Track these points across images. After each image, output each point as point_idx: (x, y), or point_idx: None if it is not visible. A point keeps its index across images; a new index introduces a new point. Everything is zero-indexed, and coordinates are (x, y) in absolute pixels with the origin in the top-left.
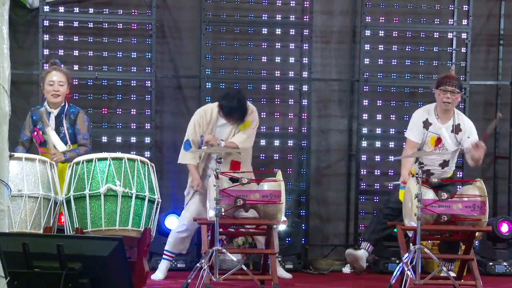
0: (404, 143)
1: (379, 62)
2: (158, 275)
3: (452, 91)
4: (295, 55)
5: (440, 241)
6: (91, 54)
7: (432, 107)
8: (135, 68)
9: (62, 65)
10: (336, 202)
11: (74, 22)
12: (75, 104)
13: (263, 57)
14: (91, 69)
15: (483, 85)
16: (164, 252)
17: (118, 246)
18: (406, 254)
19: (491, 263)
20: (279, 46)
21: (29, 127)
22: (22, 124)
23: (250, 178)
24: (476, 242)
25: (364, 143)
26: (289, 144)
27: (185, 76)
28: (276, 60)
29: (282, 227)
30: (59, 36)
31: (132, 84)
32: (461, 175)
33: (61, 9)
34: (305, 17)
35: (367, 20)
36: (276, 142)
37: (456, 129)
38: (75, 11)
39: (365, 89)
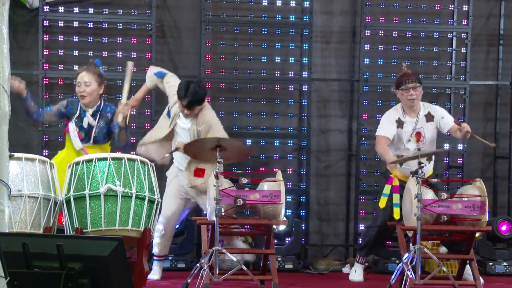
0: None
1: (379, 62)
2: (154, 277)
3: (414, 86)
4: (295, 55)
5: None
6: (91, 54)
7: (399, 107)
8: (135, 68)
9: (100, 66)
10: (336, 202)
11: (74, 22)
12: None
13: (263, 57)
14: None
15: (483, 85)
16: (153, 254)
17: (118, 246)
18: (406, 254)
19: (491, 263)
20: (279, 46)
21: (58, 107)
22: (22, 124)
23: (250, 179)
24: (476, 242)
25: (364, 143)
26: (289, 144)
27: (185, 76)
28: (276, 60)
29: (282, 227)
30: (59, 36)
31: (132, 84)
32: (461, 175)
33: (61, 9)
34: (305, 17)
35: (367, 20)
36: (276, 142)
37: (428, 117)
38: (75, 11)
39: (365, 89)
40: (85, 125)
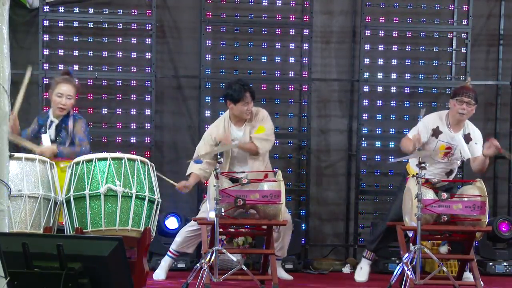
0: None
1: (379, 62)
2: (159, 273)
3: (468, 102)
4: (295, 55)
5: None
6: (91, 54)
7: (444, 114)
8: (135, 68)
9: (73, 76)
10: (336, 202)
11: (74, 22)
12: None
13: (263, 57)
14: (91, 69)
15: (483, 85)
16: (169, 250)
17: (118, 246)
18: (406, 254)
19: (491, 263)
20: (279, 46)
21: (31, 128)
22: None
23: (250, 179)
24: (476, 242)
25: (364, 143)
26: (289, 144)
27: (185, 76)
28: (276, 60)
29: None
30: (59, 36)
31: (132, 84)
32: (461, 175)
33: (61, 9)
34: (305, 17)
35: (367, 20)
36: (276, 142)
37: (467, 138)
38: (75, 11)
39: (365, 89)
40: (52, 136)
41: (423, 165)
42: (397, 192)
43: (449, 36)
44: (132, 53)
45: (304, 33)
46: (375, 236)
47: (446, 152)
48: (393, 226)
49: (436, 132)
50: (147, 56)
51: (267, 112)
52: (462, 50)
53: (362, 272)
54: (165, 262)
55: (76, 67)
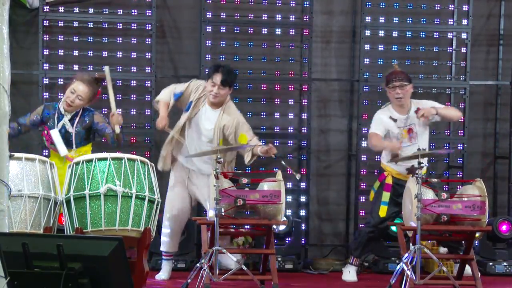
0: None
1: (379, 62)
2: (162, 275)
3: (400, 85)
4: (295, 55)
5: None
6: (91, 54)
7: (389, 105)
8: (135, 68)
9: (101, 85)
10: (336, 202)
11: (74, 22)
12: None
13: (263, 57)
14: (91, 69)
15: (483, 85)
16: (162, 253)
17: (118, 246)
18: (406, 254)
19: (491, 263)
20: (279, 46)
21: (32, 117)
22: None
23: (250, 179)
24: (476, 242)
25: (364, 143)
26: (289, 144)
27: (185, 76)
28: (276, 60)
29: (282, 227)
30: (59, 36)
31: (132, 84)
32: (461, 175)
33: (61, 9)
34: (305, 17)
35: (367, 20)
36: (276, 142)
37: (418, 113)
38: (75, 11)
39: (365, 89)
40: (59, 127)
41: (422, 165)
42: (376, 192)
43: (449, 36)
44: (132, 53)
45: (304, 33)
46: (357, 243)
47: (410, 135)
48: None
49: (392, 121)
50: (147, 56)
51: (266, 112)
52: (462, 50)
53: (351, 274)
54: (165, 266)
55: (76, 67)
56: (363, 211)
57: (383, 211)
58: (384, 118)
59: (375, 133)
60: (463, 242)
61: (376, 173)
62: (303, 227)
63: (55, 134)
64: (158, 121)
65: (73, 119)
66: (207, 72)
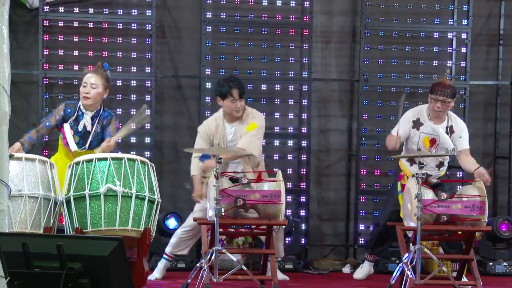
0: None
1: (379, 62)
2: (155, 275)
3: (443, 100)
4: (295, 55)
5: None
6: (91, 54)
7: (425, 108)
8: (135, 68)
9: (108, 70)
10: (336, 202)
11: (74, 22)
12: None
13: (263, 57)
14: (91, 69)
15: (483, 85)
16: (165, 252)
17: (118, 246)
18: (406, 254)
19: (491, 263)
20: (279, 46)
21: (56, 117)
22: (22, 124)
23: (250, 179)
24: (476, 242)
25: (364, 143)
26: (289, 144)
27: (185, 76)
28: (276, 60)
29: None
30: (59, 36)
31: (132, 84)
32: (461, 175)
33: (61, 9)
34: (305, 17)
35: (367, 20)
36: (276, 142)
37: (450, 130)
38: (75, 11)
39: (365, 89)
40: (80, 128)
41: (422, 165)
42: (392, 190)
43: (449, 36)
44: (132, 53)
45: (304, 33)
46: (369, 240)
47: (431, 143)
48: (390, 226)
49: (416, 124)
50: (147, 56)
51: (267, 112)
52: (462, 50)
53: (361, 270)
54: (161, 264)
55: (76, 67)
56: (363, 211)
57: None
58: (411, 118)
59: (390, 134)
60: (462, 242)
61: (376, 173)
62: (303, 227)
63: (67, 128)
64: (196, 196)
65: (93, 119)
66: (217, 92)
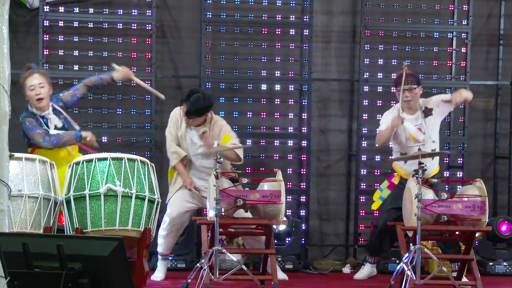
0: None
1: (379, 62)
2: (159, 275)
3: (409, 88)
4: (295, 55)
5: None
6: (91, 54)
7: (398, 105)
8: (135, 68)
9: (36, 66)
10: (336, 202)
11: (74, 22)
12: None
13: (263, 57)
14: (91, 69)
15: (483, 85)
16: (159, 253)
17: (118, 246)
18: (406, 254)
19: (491, 263)
20: (279, 46)
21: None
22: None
23: (250, 179)
24: (476, 242)
25: (364, 143)
26: (289, 144)
27: (185, 76)
28: (276, 60)
29: (282, 227)
30: (59, 36)
31: (132, 84)
32: (461, 175)
33: (61, 9)
34: (305, 17)
35: (367, 20)
36: (276, 142)
37: (426, 112)
38: (75, 11)
39: (365, 89)
40: (53, 128)
41: (422, 165)
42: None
43: (449, 36)
44: (132, 53)
45: (304, 33)
46: (369, 241)
47: (419, 132)
48: (391, 226)
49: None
50: (147, 56)
51: (267, 112)
52: (462, 50)
53: (362, 271)
54: (161, 265)
55: (76, 67)
56: (363, 211)
57: (375, 205)
58: (391, 117)
59: (379, 130)
60: (460, 242)
61: (376, 173)
62: (303, 227)
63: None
64: (187, 184)
65: (55, 113)
66: (184, 102)
